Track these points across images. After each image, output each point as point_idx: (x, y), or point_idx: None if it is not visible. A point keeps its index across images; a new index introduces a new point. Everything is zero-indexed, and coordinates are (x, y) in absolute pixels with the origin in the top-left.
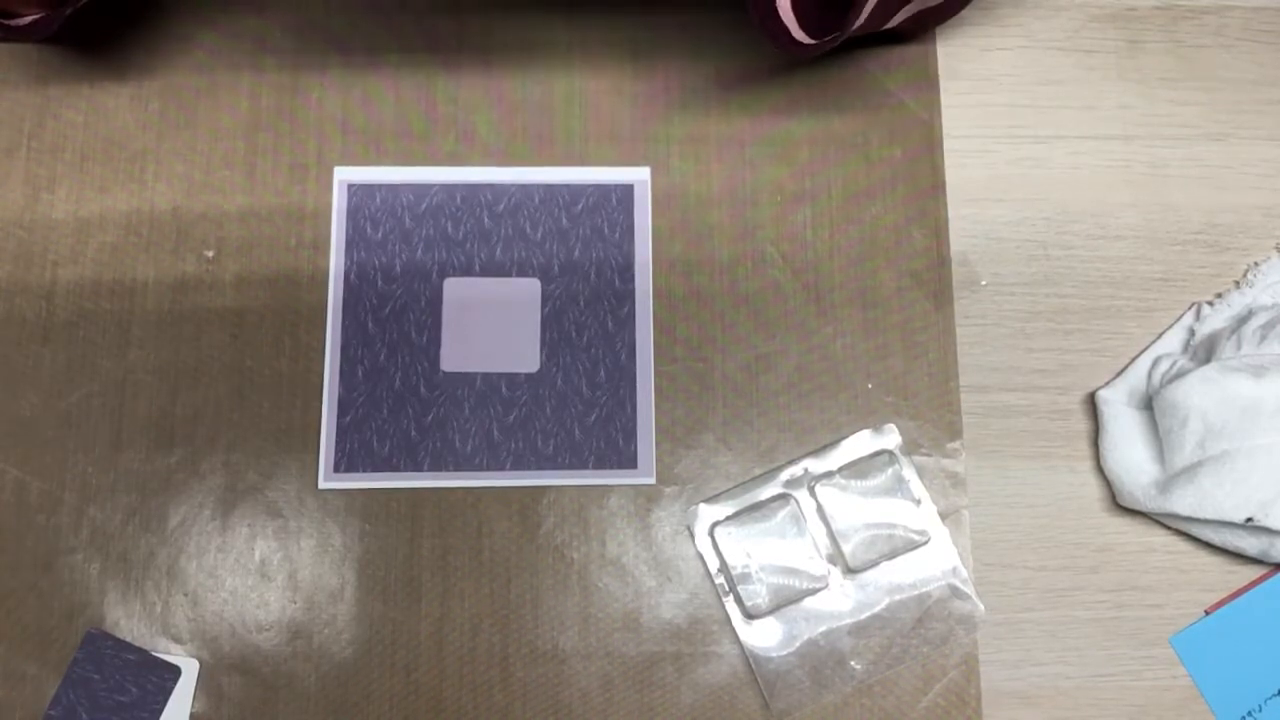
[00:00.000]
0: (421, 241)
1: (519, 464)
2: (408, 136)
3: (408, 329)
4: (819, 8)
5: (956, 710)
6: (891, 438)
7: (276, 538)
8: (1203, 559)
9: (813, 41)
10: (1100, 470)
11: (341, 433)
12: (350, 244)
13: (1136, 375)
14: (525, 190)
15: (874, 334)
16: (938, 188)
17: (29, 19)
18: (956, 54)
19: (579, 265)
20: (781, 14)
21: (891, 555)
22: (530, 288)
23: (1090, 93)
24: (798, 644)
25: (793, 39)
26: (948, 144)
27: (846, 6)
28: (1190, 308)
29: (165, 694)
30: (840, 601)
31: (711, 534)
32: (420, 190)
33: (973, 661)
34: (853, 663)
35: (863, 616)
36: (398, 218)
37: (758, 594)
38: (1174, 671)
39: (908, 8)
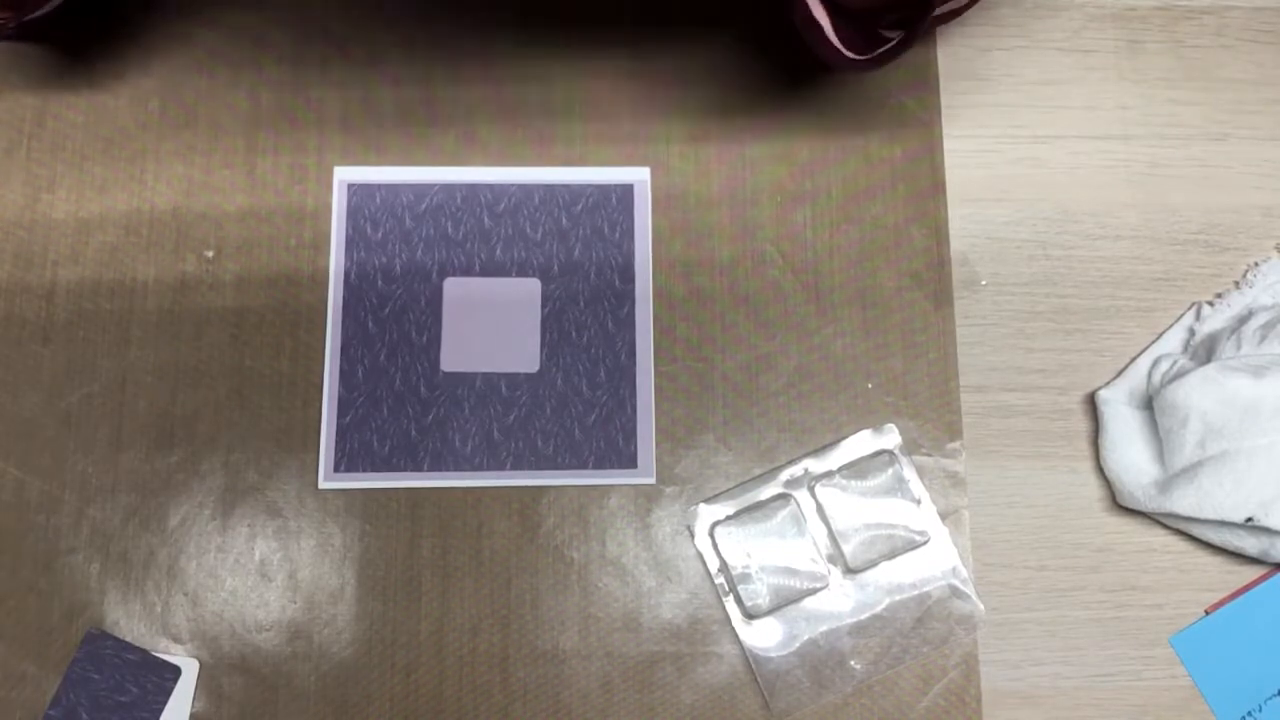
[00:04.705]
0: (421, 241)
1: (519, 464)
2: (408, 136)
3: (408, 329)
4: (853, 30)
5: (956, 710)
6: (891, 438)
7: (276, 538)
8: (1203, 559)
9: (861, 57)
10: (1100, 470)
11: (341, 433)
12: (350, 244)
13: (1136, 375)
14: (525, 190)
15: (874, 334)
16: (938, 188)
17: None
18: (956, 54)
19: (579, 265)
20: (831, 39)
21: (891, 555)
22: (530, 288)
23: (1090, 93)
24: (798, 644)
25: (845, 57)
26: (948, 144)
27: (872, 26)
28: (1190, 308)
29: (165, 694)
30: (840, 601)
31: (711, 534)
32: (420, 190)
33: (973, 661)
34: (853, 663)
35: (863, 616)
36: (398, 218)
37: (758, 594)
38: (1174, 671)
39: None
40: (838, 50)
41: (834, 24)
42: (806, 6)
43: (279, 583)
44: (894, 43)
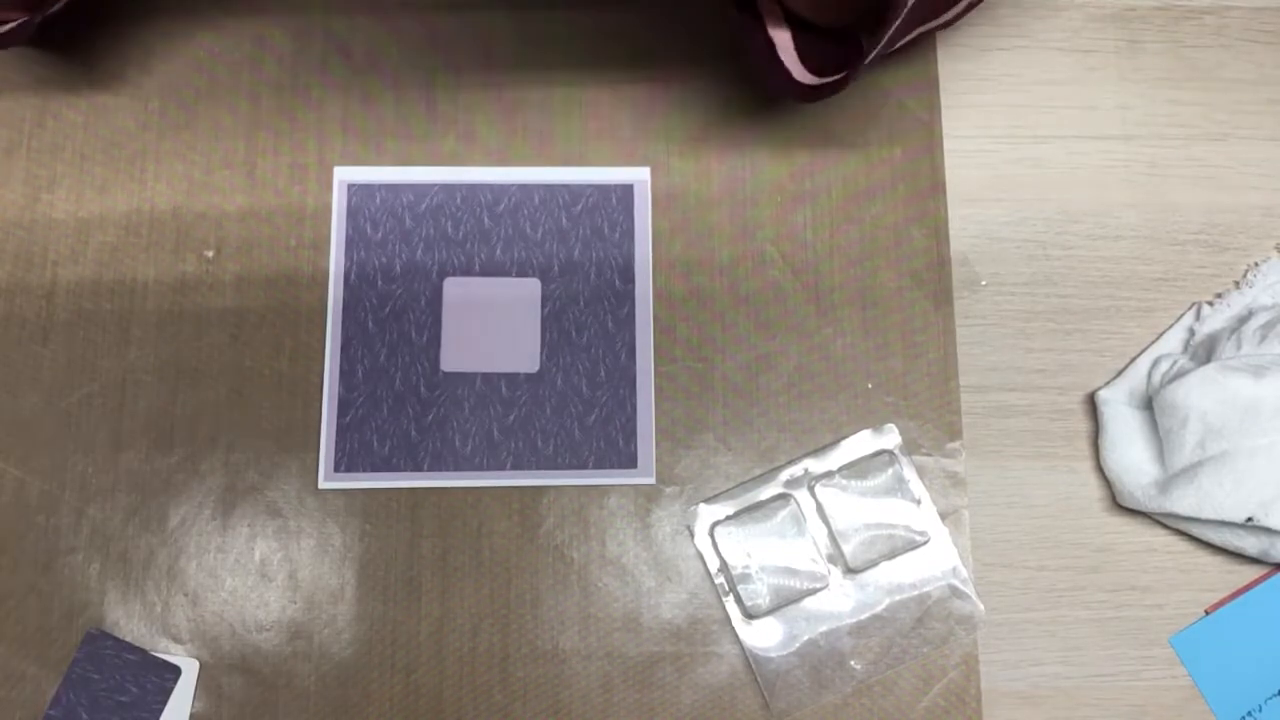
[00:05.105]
0: (421, 241)
1: (519, 464)
2: (408, 136)
3: (408, 329)
4: (823, 43)
5: (956, 710)
6: (891, 438)
7: (276, 538)
8: (1203, 559)
9: (817, 81)
10: (1100, 470)
11: (341, 433)
12: (350, 244)
13: (1136, 375)
14: (525, 190)
15: (874, 334)
16: (938, 188)
17: (8, 26)
18: (956, 54)
19: (579, 265)
20: (782, 54)
21: (891, 555)
22: (530, 288)
23: (1090, 93)
24: (798, 644)
25: (793, 80)
26: (948, 144)
27: (850, 41)
28: (1190, 308)
29: (165, 694)
30: (840, 601)
31: (711, 534)
32: (420, 190)
33: (973, 661)
34: (853, 663)
35: (863, 616)
36: (398, 218)
37: (758, 594)
38: (1174, 671)
39: (913, 33)
40: (785, 72)
41: (798, 45)
42: (764, 28)
43: (279, 583)
44: (838, 77)
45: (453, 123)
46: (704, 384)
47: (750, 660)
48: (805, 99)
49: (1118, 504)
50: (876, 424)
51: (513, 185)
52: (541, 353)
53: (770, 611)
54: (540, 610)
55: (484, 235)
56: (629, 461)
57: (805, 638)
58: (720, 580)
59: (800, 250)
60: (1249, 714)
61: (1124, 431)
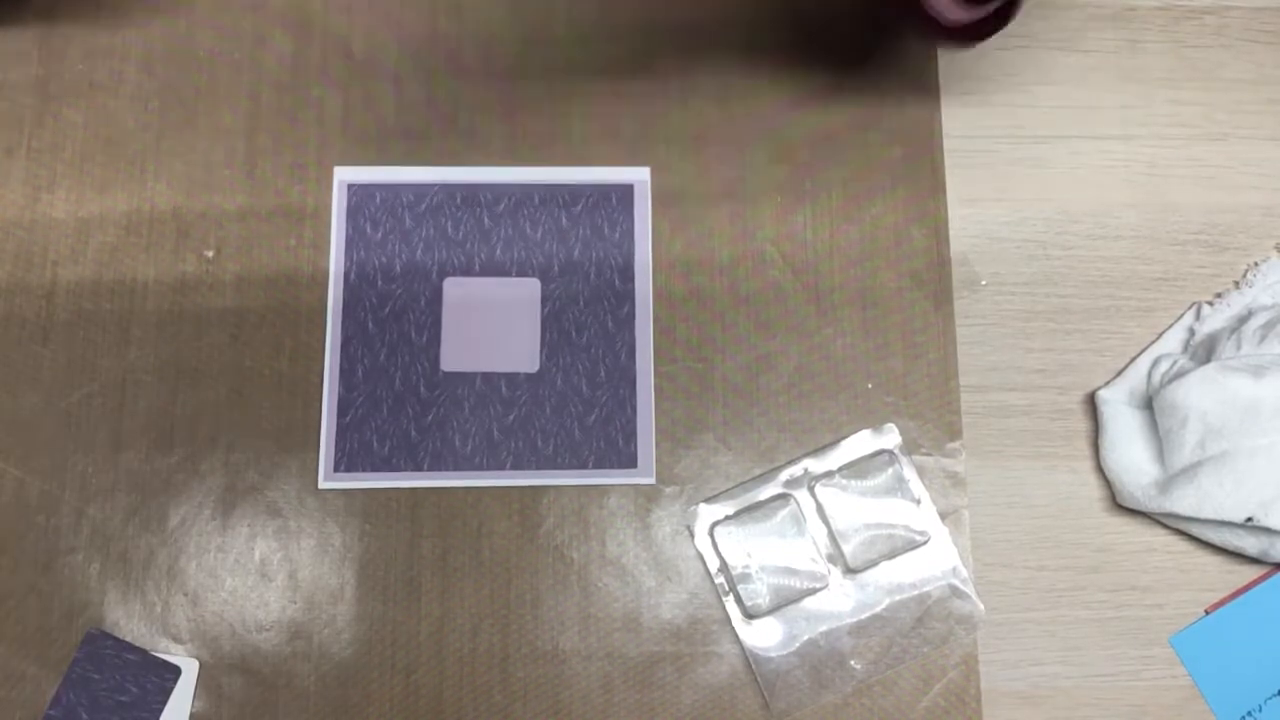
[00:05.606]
0: (421, 241)
1: (519, 464)
2: (408, 136)
3: (408, 329)
4: None
5: (956, 710)
6: (891, 438)
7: (276, 538)
8: (1203, 559)
9: (970, 17)
10: (1100, 470)
11: (341, 432)
12: (350, 244)
13: (1136, 375)
14: (525, 190)
15: (874, 334)
16: (938, 188)
17: None
18: (956, 54)
19: (579, 265)
20: None
21: (891, 555)
22: (530, 288)
23: (1090, 93)
24: (798, 644)
25: (942, 28)
26: (948, 144)
27: None
28: (1190, 308)
29: (165, 694)
30: (840, 601)
31: (711, 534)
32: (420, 190)
33: (973, 661)
34: (853, 663)
35: (863, 616)
36: (398, 218)
37: (758, 594)
38: (1174, 671)
39: None
40: (944, 20)
41: None
42: None
43: (279, 583)
44: (999, 3)
45: (453, 123)
46: (704, 384)
47: (750, 660)
48: (966, 39)
49: (1118, 504)
50: (876, 424)
51: (513, 185)
52: (541, 353)
53: (770, 611)
54: (540, 610)
55: (484, 235)
56: (629, 461)
57: (805, 638)
58: (720, 580)
59: (800, 250)
60: (1249, 714)
61: (1124, 431)
